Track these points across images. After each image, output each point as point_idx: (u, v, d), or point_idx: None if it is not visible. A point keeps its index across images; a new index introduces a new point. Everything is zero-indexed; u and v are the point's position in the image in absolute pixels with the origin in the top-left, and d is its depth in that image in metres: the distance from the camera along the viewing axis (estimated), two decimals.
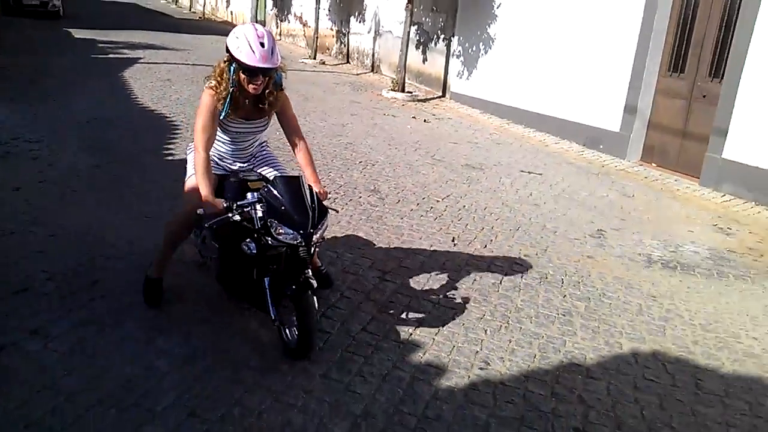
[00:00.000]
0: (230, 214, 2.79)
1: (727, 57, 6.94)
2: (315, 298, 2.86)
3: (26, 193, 4.87)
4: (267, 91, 3.04)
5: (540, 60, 9.56)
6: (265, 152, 3.49)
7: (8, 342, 2.92)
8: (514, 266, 4.43)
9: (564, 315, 3.77)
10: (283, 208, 2.80)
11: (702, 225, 5.85)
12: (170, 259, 3.40)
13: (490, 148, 8.20)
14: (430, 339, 3.32)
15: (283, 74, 3.13)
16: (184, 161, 3.48)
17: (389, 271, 4.09)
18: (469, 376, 3.02)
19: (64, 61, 11.57)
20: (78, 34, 15.63)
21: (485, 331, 3.48)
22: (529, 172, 7.13)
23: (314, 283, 2.86)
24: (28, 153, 5.89)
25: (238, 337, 3.13)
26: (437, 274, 4.14)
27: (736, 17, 6.85)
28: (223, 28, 21.95)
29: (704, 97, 7.38)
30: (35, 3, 18.91)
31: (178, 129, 7.30)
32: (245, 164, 3.35)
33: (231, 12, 27.63)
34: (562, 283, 4.24)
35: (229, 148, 3.28)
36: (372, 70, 14.95)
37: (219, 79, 3.00)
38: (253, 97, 3.05)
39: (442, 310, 3.66)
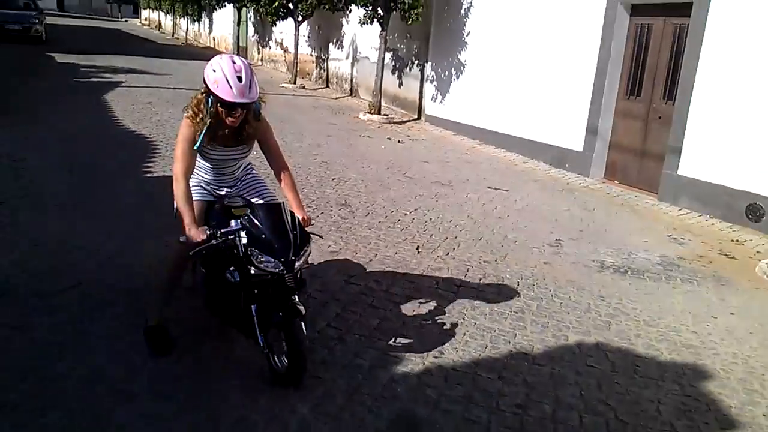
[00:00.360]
0: (213, 242, 2.76)
1: (678, 81, 7.39)
2: (303, 324, 2.83)
3: (10, 206, 5.06)
4: (246, 123, 3.01)
5: (508, 84, 10.00)
6: (251, 176, 3.42)
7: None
8: (473, 271, 4.71)
9: (516, 312, 4.05)
10: (263, 236, 2.78)
11: (656, 236, 6.20)
12: (169, 304, 3.29)
13: (460, 167, 8.54)
14: (390, 333, 3.56)
15: (262, 104, 3.08)
16: (161, 178, 3.69)
17: (354, 275, 4.35)
18: (424, 363, 3.27)
19: (47, 84, 11.81)
20: (61, 58, 15.87)
21: (441, 325, 3.74)
22: (496, 189, 7.46)
23: (302, 309, 2.83)
24: (11, 170, 6.08)
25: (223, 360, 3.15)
26: (400, 279, 4.41)
27: (684, 46, 7.31)
28: (205, 54, 22.34)
29: (659, 118, 7.81)
30: (18, 28, 19.15)
31: (157, 148, 7.53)
32: (232, 189, 3.30)
33: (213, 38, 28.07)
34: (518, 285, 4.52)
35: (212, 175, 3.24)
36: (350, 94, 15.36)
37: (196, 110, 2.95)
38: (232, 127, 3.01)
39: (402, 308, 3.92)
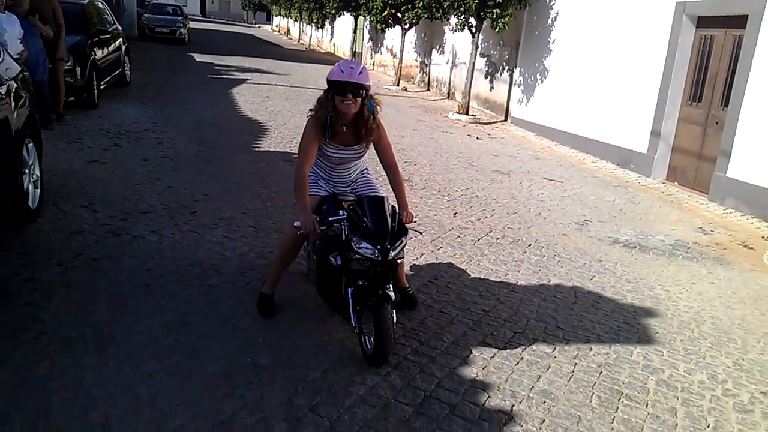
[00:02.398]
0: (321, 227, 3.15)
1: (733, 88, 7.90)
2: (394, 311, 3.14)
3: (152, 163, 6.76)
4: (363, 116, 3.33)
5: (584, 89, 10.75)
6: (365, 178, 3.71)
7: (137, 236, 4.64)
8: (494, 233, 5.75)
9: (517, 262, 5.08)
10: (364, 224, 3.09)
11: (687, 226, 6.85)
12: (280, 277, 3.71)
13: (526, 161, 9.47)
14: (417, 265, 4.73)
15: (377, 107, 3.43)
16: (266, 153, 5.00)
17: None
18: (424, 284, 4.41)
19: (185, 78, 14.03)
20: (199, 58, 18.37)
21: (450, 264, 4.85)
22: (551, 180, 8.35)
23: (392, 295, 3.12)
24: (154, 139, 7.89)
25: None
26: (432, 231, 5.55)
27: (739, 55, 7.82)
28: (325, 58, 24.48)
29: (716, 123, 8.32)
30: (165, 31, 22.26)
31: (267, 131, 9.14)
32: (346, 188, 3.62)
33: (333, 44, 30.29)
34: (529, 246, 5.52)
35: (329, 174, 3.60)
36: (447, 97, 16.53)
37: (318, 106, 3.36)
38: (351, 122, 3.35)
39: (429, 252, 5.07)
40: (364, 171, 3.76)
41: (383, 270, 3.12)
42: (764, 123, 7.41)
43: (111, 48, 10.50)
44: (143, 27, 22.92)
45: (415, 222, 3.63)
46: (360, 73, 3.24)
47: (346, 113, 3.29)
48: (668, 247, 5.95)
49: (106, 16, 11.19)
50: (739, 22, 7.88)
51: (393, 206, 3.33)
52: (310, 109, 3.46)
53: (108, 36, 10.27)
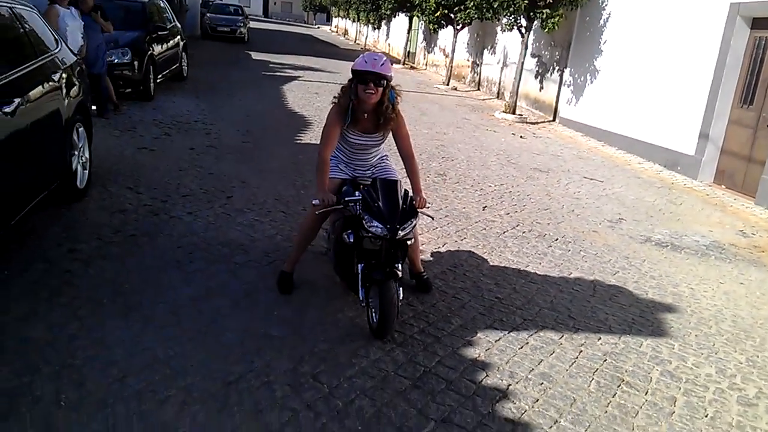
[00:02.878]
0: (338, 206, 3.36)
1: None
2: (400, 289, 3.30)
3: (197, 152, 7.11)
4: (384, 105, 3.49)
5: (633, 89, 10.57)
6: (384, 164, 3.87)
7: (174, 216, 4.94)
8: (521, 227, 5.79)
9: (540, 255, 5.11)
10: (376, 204, 3.24)
11: (727, 228, 6.68)
12: (300, 256, 3.90)
13: (568, 160, 9.39)
14: (438, 253, 4.84)
15: (397, 97, 3.57)
16: (306, 145, 5.21)
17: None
18: (442, 271, 4.52)
19: (240, 74, 14.53)
20: (256, 56, 18.94)
21: (471, 254, 4.93)
22: (591, 179, 8.27)
23: (399, 273, 3.29)
24: (203, 130, 8.26)
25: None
26: (458, 222, 5.64)
27: None
28: None
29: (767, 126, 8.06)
30: (226, 30, 23.06)
31: (310, 125, 9.41)
32: (366, 172, 3.81)
33: (389, 44, 30.55)
34: (556, 240, 5.53)
35: (350, 158, 3.78)
36: (497, 97, 16.47)
37: (341, 93, 3.56)
38: (372, 111, 3.50)
39: (452, 241, 5.17)
40: (384, 157, 3.92)
41: (393, 249, 3.27)
42: None
43: (169, 44, 11.03)
44: (206, 26, 23.80)
45: (428, 207, 3.75)
46: (382, 64, 3.40)
47: (366, 102, 3.44)
48: (702, 248, 5.84)
49: (167, 14, 11.75)
50: None
51: (406, 190, 3.47)
52: (334, 97, 3.63)
53: (166, 33, 10.79)
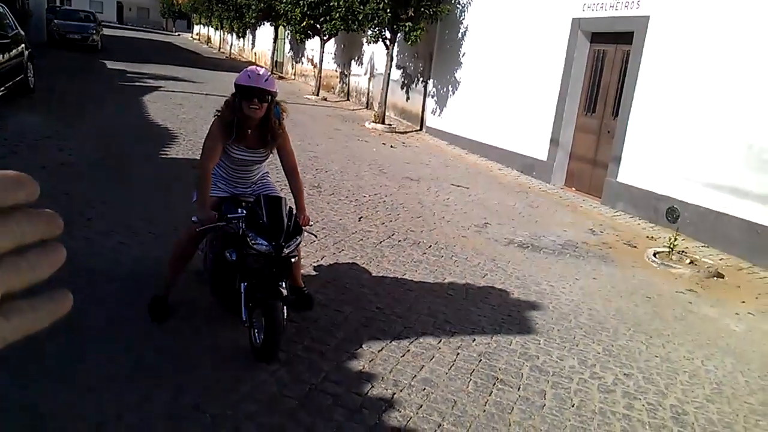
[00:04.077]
0: (219, 223, 3.26)
1: (622, 100, 8.51)
2: (285, 308, 3.23)
3: (50, 171, 6.56)
4: (270, 122, 3.44)
5: (491, 100, 11.25)
6: (265, 181, 3.82)
7: None
8: (397, 235, 5.96)
9: (415, 262, 5.29)
10: (261, 222, 3.20)
11: (578, 228, 7.31)
12: (177, 279, 3.71)
13: (436, 169, 9.79)
14: (318, 267, 4.84)
15: (283, 113, 3.55)
16: (173, 160, 5.00)
17: None
18: (323, 285, 4.54)
19: (95, 86, 13.61)
20: (111, 65, 17.82)
21: (350, 266, 5.00)
22: (458, 186, 8.69)
23: (284, 292, 3.22)
24: (55, 146, 7.64)
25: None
26: (335, 234, 5.69)
27: (627, 68, 8.45)
28: (244, 67, 24.22)
29: (609, 132, 8.92)
30: (77, 37, 21.43)
31: (176, 139, 9.03)
32: (246, 189, 3.72)
33: (255, 53, 30.07)
34: (429, 247, 5.75)
35: (231, 175, 3.66)
36: (366, 107, 16.79)
37: (225, 107, 3.45)
38: (255, 126, 3.45)
39: (331, 254, 5.20)
40: (265, 174, 3.87)
41: (277, 267, 3.23)
42: (649, 131, 8.02)
43: (11, 53, 10.07)
44: (53, 33, 21.97)
45: (311, 225, 3.74)
46: (266, 80, 3.36)
47: (251, 117, 3.40)
48: (558, 247, 6.34)
49: (7, 20, 10.73)
50: (626, 38, 8.51)
51: (291, 207, 3.46)
52: (216, 110, 3.53)
53: (7, 41, 9.86)
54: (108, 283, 4.05)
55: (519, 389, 3.42)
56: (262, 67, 3.79)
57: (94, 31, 22.35)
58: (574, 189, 9.51)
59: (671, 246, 6.36)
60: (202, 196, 3.35)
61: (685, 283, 5.73)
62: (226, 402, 2.95)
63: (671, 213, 7.64)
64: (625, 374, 3.77)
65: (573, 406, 3.33)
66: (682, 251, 6.46)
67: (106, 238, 4.83)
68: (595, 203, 8.70)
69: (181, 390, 2.99)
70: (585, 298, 4.99)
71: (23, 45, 10.99)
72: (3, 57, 9.50)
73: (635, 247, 6.76)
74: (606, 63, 9.06)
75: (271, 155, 3.72)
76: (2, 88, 9.40)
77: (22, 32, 11.53)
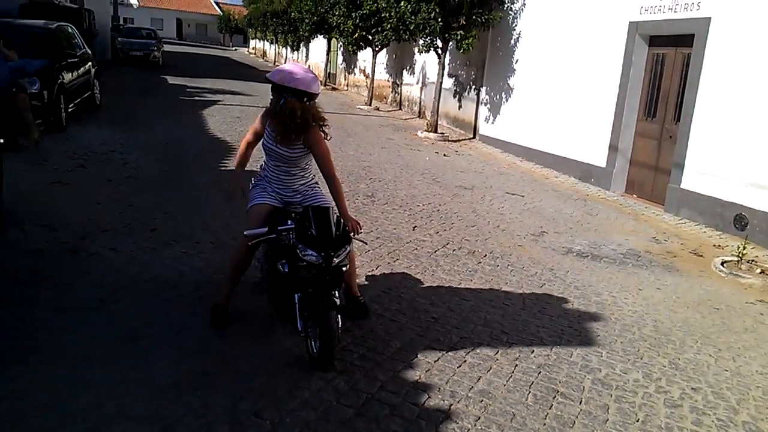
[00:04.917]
0: (271, 236, 3.35)
1: (683, 104, 8.22)
2: (339, 316, 3.27)
3: (115, 183, 6.83)
4: (285, 113, 3.47)
5: (547, 106, 11.07)
6: (314, 191, 3.81)
7: (95, 253, 4.72)
8: (451, 245, 5.90)
9: (471, 272, 5.23)
10: (310, 233, 3.25)
11: (640, 236, 7.07)
12: (235, 288, 3.83)
13: (490, 177, 9.68)
14: (372, 276, 4.85)
15: (288, 105, 3.48)
16: (231, 171, 5.01)
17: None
18: (377, 294, 4.54)
19: (157, 100, 14.12)
20: (172, 80, 18.47)
21: (404, 275, 4.98)
22: (513, 194, 8.56)
23: (337, 301, 3.27)
24: (120, 160, 7.96)
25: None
26: (389, 243, 5.69)
27: (688, 72, 8.16)
28: None
29: (670, 137, 8.63)
30: (139, 54, 22.36)
31: (234, 150, 9.23)
32: (295, 197, 3.73)
33: (309, 65, 30.52)
34: (485, 256, 5.68)
35: (273, 173, 3.72)
36: (419, 116, 16.80)
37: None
38: (279, 122, 3.51)
39: (385, 264, 5.20)
40: (314, 184, 3.85)
41: (329, 276, 3.25)
42: (713, 136, 7.71)
43: (80, 71, 10.59)
44: (117, 50, 23.00)
45: (361, 232, 3.74)
46: (270, 72, 3.65)
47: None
48: (619, 256, 6.15)
49: (76, 40, 11.29)
50: (686, 40, 8.22)
51: (338, 216, 3.47)
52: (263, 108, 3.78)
53: (76, 59, 10.36)
54: (172, 290, 4.17)
55: (581, 403, 3.32)
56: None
57: (156, 48, 23.27)
58: (635, 196, 9.22)
59: (740, 255, 6.09)
60: (236, 174, 3.89)
61: (756, 293, 5.46)
62: (285, 409, 2.98)
63: (739, 220, 7.31)
64: (692, 389, 3.61)
65: (638, 421, 3.21)
66: (752, 260, 6.17)
67: (169, 248, 4.98)
68: (657, 210, 8.41)
69: (242, 396, 3.04)
70: (649, 309, 4.82)
71: (90, 63, 11.54)
72: (72, 75, 9.99)
73: (701, 256, 6.49)
74: (666, 66, 8.78)
75: (304, 156, 3.66)
76: (72, 105, 9.87)
77: (89, 51, 12.11)
